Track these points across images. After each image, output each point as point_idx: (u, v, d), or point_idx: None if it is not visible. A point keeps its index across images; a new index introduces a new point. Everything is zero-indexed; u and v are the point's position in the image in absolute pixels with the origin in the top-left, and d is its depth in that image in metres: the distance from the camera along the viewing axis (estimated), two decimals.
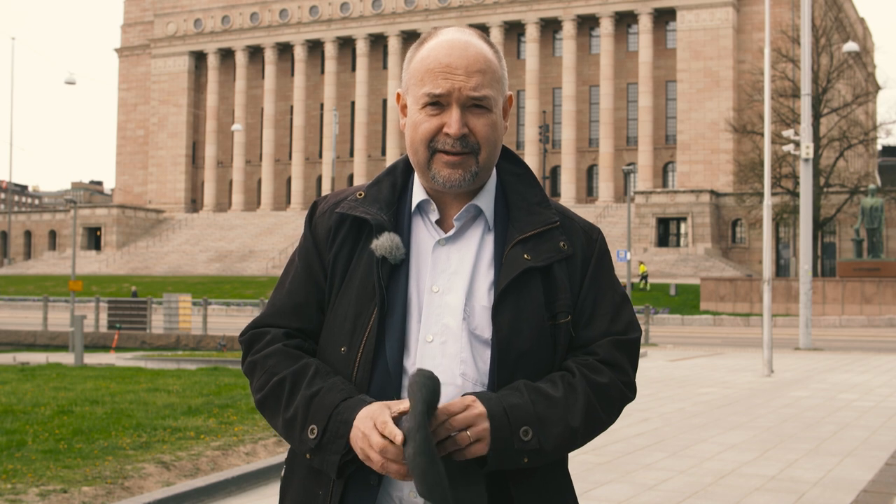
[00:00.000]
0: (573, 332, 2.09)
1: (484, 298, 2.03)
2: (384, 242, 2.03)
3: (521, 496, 2.00)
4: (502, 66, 2.09)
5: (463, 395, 1.94)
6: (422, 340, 2.01)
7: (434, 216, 2.09)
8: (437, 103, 2.02)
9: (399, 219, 2.09)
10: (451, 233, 2.08)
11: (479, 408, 1.90)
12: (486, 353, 2.01)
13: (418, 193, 2.11)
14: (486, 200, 2.10)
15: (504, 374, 1.99)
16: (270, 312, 2.14)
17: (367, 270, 2.04)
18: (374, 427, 1.86)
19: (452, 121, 2.00)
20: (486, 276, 2.05)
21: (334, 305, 2.08)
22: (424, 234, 2.09)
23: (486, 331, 2.02)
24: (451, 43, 2.04)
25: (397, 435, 1.82)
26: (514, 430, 1.92)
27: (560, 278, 2.07)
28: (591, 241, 2.15)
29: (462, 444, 1.89)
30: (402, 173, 2.15)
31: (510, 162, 2.18)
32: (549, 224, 2.09)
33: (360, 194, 2.12)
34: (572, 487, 2.16)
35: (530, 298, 2.03)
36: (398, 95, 2.15)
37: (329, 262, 2.10)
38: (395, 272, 2.04)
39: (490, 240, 2.08)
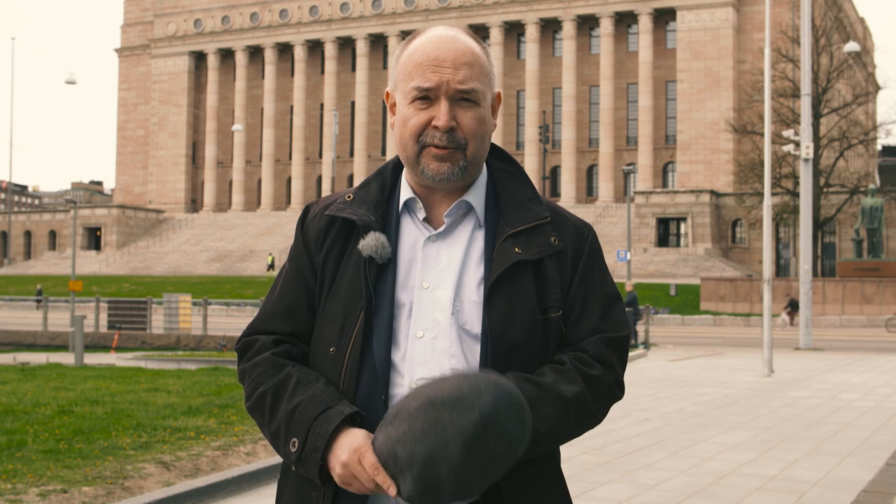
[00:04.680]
0: (563, 328, 2.09)
1: (473, 293, 2.04)
2: (370, 242, 2.05)
3: (510, 491, 1.98)
4: (490, 62, 2.11)
5: None
6: (412, 336, 2.02)
7: (421, 214, 2.10)
8: (425, 97, 2.03)
9: (387, 218, 2.11)
10: (441, 229, 2.09)
11: None
12: (476, 348, 2.02)
13: (405, 192, 2.12)
14: (476, 196, 2.11)
15: (496, 368, 1.99)
16: (263, 317, 2.17)
17: (355, 271, 2.06)
18: (360, 464, 1.89)
19: (441, 113, 2.02)
20: (476, 271, 2.06)
21: (324, 307, 2.09)
22: (414, 231, 2.10)
23: (475, 325, 2.02)
24: (438, 38, 2.06)
25: (391, 487, 1.86)
26: None
27: (551, 273, 2.08)
28: (583, 238, 2.15)
29: None
30: (391, 173, 2.17)
31: (501, 160, 2.19)
32: (540, 219, 2.10)
33: (349, 196, 2.14)
34: (564, 484, 2.15)
35: (522, 291, 2.04)
36: (387, 94, 2.16)
37: (319, 264, 2.12)
38: (384, 271, 2.05)
39: (480, 236, 2.10)
